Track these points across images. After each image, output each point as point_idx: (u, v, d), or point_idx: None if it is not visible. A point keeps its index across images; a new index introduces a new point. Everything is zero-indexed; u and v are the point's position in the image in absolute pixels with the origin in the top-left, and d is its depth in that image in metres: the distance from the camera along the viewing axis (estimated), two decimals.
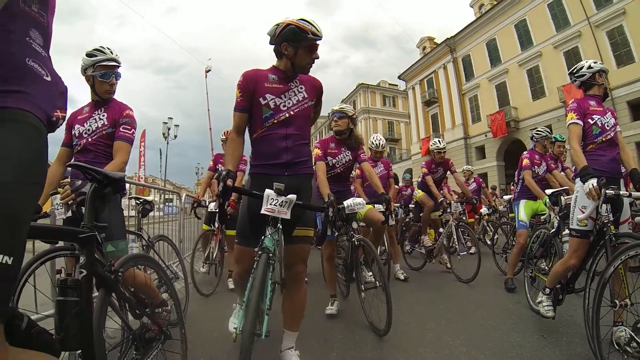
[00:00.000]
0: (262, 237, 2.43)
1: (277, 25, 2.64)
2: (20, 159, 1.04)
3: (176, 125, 27.00)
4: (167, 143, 26.73)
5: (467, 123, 31.58)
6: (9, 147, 1.02)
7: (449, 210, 6.15)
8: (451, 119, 33.13)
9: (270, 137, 2.65)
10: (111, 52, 2.98)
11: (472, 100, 31.72)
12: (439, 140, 6.73)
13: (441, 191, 6.92)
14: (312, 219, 2.85)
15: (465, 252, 5.63)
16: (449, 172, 6.96)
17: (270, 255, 2.34)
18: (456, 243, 6.15)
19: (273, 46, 2.72)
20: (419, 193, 6.92)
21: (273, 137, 2.64)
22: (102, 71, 2.93)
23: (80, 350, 1.41)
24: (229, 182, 2.37)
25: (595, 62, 3.42)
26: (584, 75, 3.44)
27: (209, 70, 27.15)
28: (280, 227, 2.46)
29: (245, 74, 2.68)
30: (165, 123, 26.24)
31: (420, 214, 7.19)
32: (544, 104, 24.91)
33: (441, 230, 6.52)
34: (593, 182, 2.89)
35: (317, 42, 2.65)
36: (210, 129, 25.46)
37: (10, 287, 1.03)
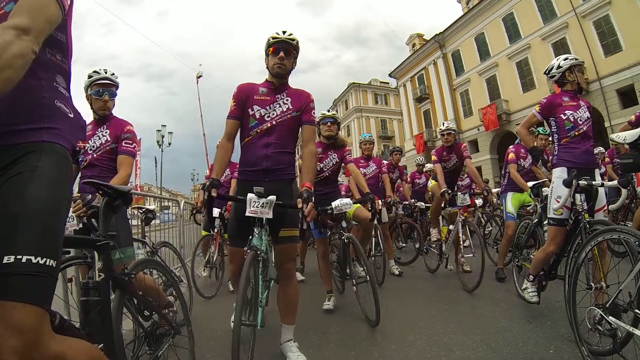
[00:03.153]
0: (250, 237, 2.65)
1: None
2: (58, 181, 1.30)
3: (170, 133, 26.97)
4: (162, 151, 26.75)
5: (459, 118, 31.53)
6: (51, 173, 1.28)
7: (458, 204, 5.52)
8: (443, 114, 33.03)
9: (253, 145, 2.93)
10: (105, 72, 3.18)
11: (463, 95, 31.78)
12: (443, 123, 6.34)
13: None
14: (295, 220, 3.01)
15: (471, 255, 5.20)
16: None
17: (258, 252, 2.55)
18: (462, 242, 5.46)
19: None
20: (431, 183, 6.84)
21: (255, 145, 2.92)
22: (95, 89, 3.15)
23: (102, 344, 1.58)
24: (213, 192, 2.60)
25: (565, 59, 3.61)
26: (554, 75, 3.64)
27: (200, 76, 27.23)
28: (267, 227, 2.69)
29: (240, 86, 3.00)
30: (159, 131, 26.23)
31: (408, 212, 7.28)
32: (534, 96, 24.81)
33: (451, 227, 5.92)
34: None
35: (280, 44, 2.94)
36: (204, 134, 25.51)
37: (54, 285, 1.23)
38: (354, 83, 47.67)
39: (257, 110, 2.92)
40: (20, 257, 1.11)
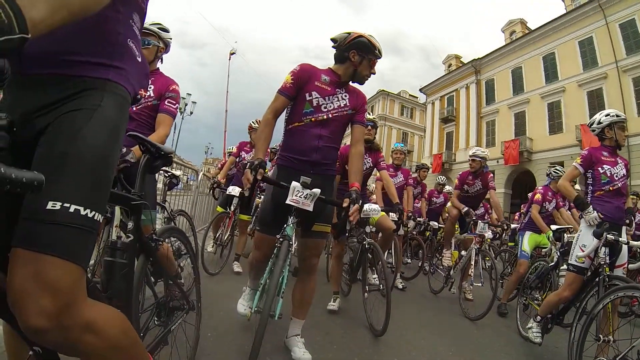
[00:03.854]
0: (285, 226, 2.58)
1: (349, 34, 2.87)
2: (116, 127, 1.17)
3: (193, 102, 26.99)
4: (182, 118, 26.73)
5: (481, 146, 31.01)
6: (112, 116, 1.15)
7: (474, 232, 5.51)
8: (466, 140, 33.01)
9: (304, 133, 2.78)
10: (146, 24, 3.05)
11: (489, 125, 31.56)
12: (477, 148, 6.42)
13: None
14: (330, 217, 2.98)
15: (480, 284, 5.23)
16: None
17: (291, 242, 2.50)
18: (472, 270, 5.34)
19: (336, 51, 2.93)
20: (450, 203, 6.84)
21: (307, 134, 2.77)
22: None
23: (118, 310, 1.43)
24: (260, 172, 2.50)
25: (607, 115, 3.65)
26: (594, 130, 3.71)
27: (234, 53, 27.12)
28: (298, 219, 2.63)
29: (303, 65, 2.85)
30: (184, 98, 26.17)
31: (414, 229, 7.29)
32: (560, 140, 24.80)
33: (463, 253, 5.83)
34: (595, 216, 3.34)
35: (377, 60, 2.91)
36: (227, 111, 25.45)
37: (95, 242, 1.13)
38: (383, 91, 47.35)
39: (316, 97, 2.78)
40: (67, 205, 0.98)
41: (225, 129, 24.22)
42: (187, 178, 8.56)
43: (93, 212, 1.03)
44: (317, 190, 2.57)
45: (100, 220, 1.07)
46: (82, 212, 1.00)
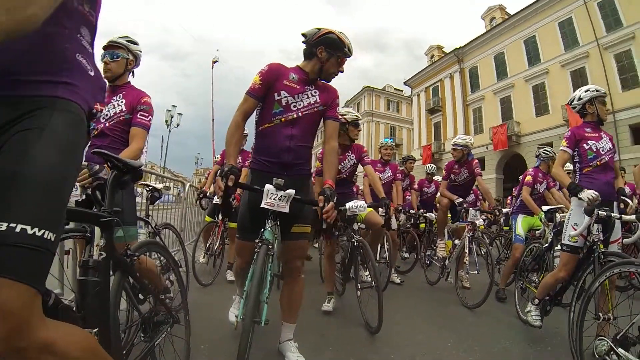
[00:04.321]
0: (262, 230, 2.51)
1: (319, 29, 2.79)
2: (69, 144, 1.15)
3: (179, 114, 26.85)
4: (169, 131, 26.61)
5: (469, 134, 31.14)
6: (62, 133, 1.13)
7: (466, 220, 5.43)
8: (453, 129, 33.04)
9: (274, 134, 2.72)
10: (114, 37, 3.04)
11: (475, 112, 31.71)
12: (459, 136, 6.37)
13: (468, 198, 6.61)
14: (309, 217, 2.93)
15: (476, 272, 5.19)
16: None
17: (270, 247, 2.42)
18: (467, 258, 5.35)
19: (305, 46, 2.84)
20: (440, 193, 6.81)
21: (277, 134, 2.72)
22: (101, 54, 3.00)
23: (97, 329, 1.44)
24: (231, 179, 2.41)
25: (587, 91, 3.62)
26: (575, 107, 3.67)
27: (216, 61, 27.06)
28: (278, 222, 2.57)
29: (271, 65, 2.77)
30: (169, 111, 26.09)
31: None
32: (547, 121, 25.00)
33: (457, 242, 5.70)
34: (590, 192, 3.18)
35: (347, 58, 2.83)
36: (213, 119, 25.36)
37: (50, 262, 1.08)
38: (368, 87, 47.42)
39: (285, 96, 2.71)
40: (14, 225, 0.96)
41: (213, 137, 24.11)
42: (178, 190, 8.42)
43: (42, 231, 1.00)
44: (291, 191, 2.51)
45: (53, 239, 1.04)
46: (30, 232, 0.98)
